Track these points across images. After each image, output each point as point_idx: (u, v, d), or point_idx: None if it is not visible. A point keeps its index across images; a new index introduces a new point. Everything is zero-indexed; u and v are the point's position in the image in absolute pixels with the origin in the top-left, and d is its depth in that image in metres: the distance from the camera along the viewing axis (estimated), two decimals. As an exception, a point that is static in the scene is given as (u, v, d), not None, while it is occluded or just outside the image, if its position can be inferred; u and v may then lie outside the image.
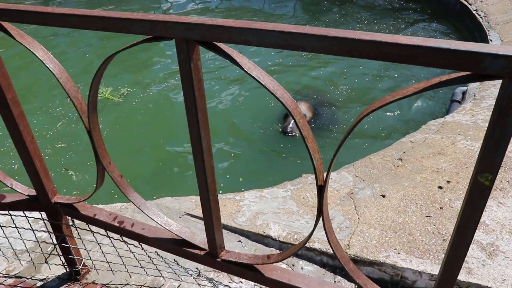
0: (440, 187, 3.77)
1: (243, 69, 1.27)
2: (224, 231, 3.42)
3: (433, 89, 1.06)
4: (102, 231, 2.40)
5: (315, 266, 3.13)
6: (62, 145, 6.43)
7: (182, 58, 1.35)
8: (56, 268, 2.88)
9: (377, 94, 7.69)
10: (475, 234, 2.76)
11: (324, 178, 1.42)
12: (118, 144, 6.44)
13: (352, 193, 3.82)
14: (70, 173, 5.81)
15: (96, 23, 1.40)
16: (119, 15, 1.34)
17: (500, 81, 0.97)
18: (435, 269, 2.89)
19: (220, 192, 4.42)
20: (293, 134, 6.36)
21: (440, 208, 3.47)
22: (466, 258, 2.40)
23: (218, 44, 1.30)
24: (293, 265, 3.12)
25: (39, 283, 2.86)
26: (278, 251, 3.24)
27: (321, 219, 1.51)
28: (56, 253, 2.75)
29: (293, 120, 5.26)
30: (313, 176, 3.70)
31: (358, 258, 3.03)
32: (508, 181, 3.76)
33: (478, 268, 2.89)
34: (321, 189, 1.43)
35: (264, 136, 6.57)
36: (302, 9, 12.44)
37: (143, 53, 9.45)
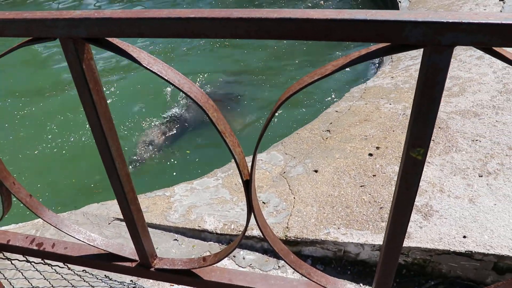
0: (371, 154, 3.78)
1: (141, 64, 1.11)
2: (157, 231, 3.26)
3: (354, 64, 0.96)
4: (21, 256, 2.18)
5: (257, 254, 3.04)
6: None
7: (71, 59, 1.17)
8: (-25, 303, 2.61)
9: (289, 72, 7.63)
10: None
11: (249, 172, 1.30)
12: (18, 157, 5.99)
13: (284, 172, 3.75)
14: None
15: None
16: (-14, 17, 1.13)
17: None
18: (376, 239, 2.88)
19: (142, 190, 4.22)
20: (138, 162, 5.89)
21: (373, 175, 3.47)
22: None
23: (110, 39, 1.14)
24: (234, 256, 3.02)
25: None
26: (217, 244, 3.13)
27: (252, 215, 1.40)
28: (-28, 287, 2.48)
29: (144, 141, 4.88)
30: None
31: (299, 239, 2.97)
32: (433, 140, 3.82)
33: (416, 231, 2.91)
34: (248, 184, 1.31)
35: (184, 127, 6.35)
36: None
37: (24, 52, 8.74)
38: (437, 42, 0.85)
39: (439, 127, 3.97)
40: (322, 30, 0.89)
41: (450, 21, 0.84)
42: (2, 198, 1.86)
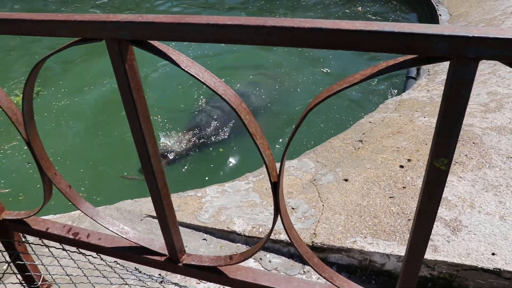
0: (402, 166, 3.77)
1: (180, 67, 1.18)
2: (187, 230, 3.33)
3: (381, 75, 1.00)
4: (58, 244, 2.29)
5: (283, 258, 3.08)
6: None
7: (115, 59, 1.25)
8: (13, 287, 2.74)
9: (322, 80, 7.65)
10: (438, 211, 2.76)
11: (278, 174, 1.35)
12: (57, 149, 6.21)
13: (314, 180, 3.78)
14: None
15: (14, 27, 1.27)
16: (41, 17, 1.22)
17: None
18: (402, 250, 2.88)
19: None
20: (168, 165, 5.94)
21: (403, 187, 3.47)
22: (431, 236, 2.39)
23: (152, 42, 1.21)
24: (260, 259, 3.07)
25: (-4, 305, 2.72)
26: (244, 246, 3.19)
27: (279, 217, 1.45)
28: (12, 271, 2.60)
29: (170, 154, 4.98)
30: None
31: (325, 246, 3.00)
32: (466, 155, 3.79)
33: (443, 245, 2.90)
34: (276, 186, 1.36)
35: (217, 129, 6.44)
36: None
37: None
38: (462, 55, 0.88)
39: (473, 142, 3.93)
40: (352, 41, 0.93)
41: (476, 35, 0.88)
42: (44, 187, 1.97)
